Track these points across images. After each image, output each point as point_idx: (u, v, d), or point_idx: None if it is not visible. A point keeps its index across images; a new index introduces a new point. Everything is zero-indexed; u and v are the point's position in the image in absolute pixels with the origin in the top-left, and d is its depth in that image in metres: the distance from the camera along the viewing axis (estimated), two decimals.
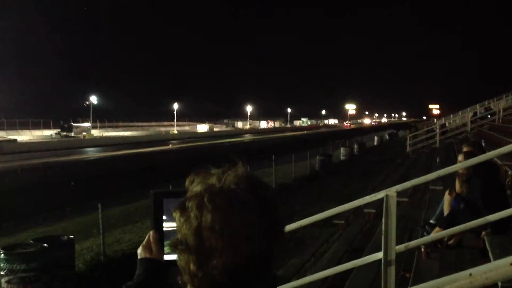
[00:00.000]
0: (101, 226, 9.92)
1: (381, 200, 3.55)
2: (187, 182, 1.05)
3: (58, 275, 7.23)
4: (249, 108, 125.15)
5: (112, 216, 14.35)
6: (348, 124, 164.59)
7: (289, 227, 3.95)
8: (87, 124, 68.41)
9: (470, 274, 1.80)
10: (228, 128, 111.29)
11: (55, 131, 63.56)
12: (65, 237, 7.96)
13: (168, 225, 1.32)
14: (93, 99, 72.53)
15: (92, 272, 8.74)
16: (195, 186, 1.01)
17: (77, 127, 65.58)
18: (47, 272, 7.09)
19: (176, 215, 1.00)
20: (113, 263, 9.16)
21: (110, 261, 9.32)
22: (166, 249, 1.33)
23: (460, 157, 6.14)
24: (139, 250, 1.34)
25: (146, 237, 1.33)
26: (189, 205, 0.97)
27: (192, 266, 0.96)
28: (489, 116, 25.42)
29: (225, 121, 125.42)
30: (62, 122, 66.73)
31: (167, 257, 1.33)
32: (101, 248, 9.69)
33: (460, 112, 37.99)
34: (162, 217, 1.32)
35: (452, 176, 6.50)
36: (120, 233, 12.05)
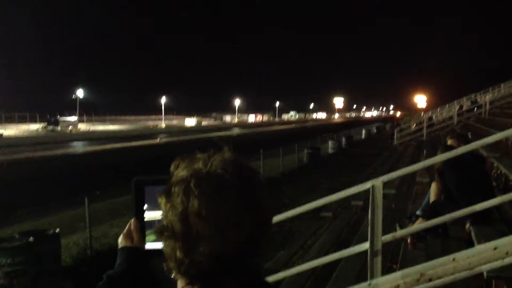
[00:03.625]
0: (88, 220, 9.85)
1: (368, 193, 3.55)
2: (172, 167, 1.02)
3: (45, 269, 7.16)
4: (237, 102, 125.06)
5: (99, 210, 14.25)
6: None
7: (276, 219, 3.94)
8: (73, 118, 67.95)
9: (454, 259, 1.81)
10: (216, 122, 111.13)
11: (42, 125, 62.99)
12: (51, 231, 7.88)
13: (150, 214, 1.30)
14: (80, 93, 72.12)
15: (79, 266, 8.69)
16: (180, 171, 0.99)
17: (63, 121, 65.14)
18: (33, 266, 7.02)
19: (162, 200, 0.98)
20: (100, 256, 9.12)
21: (97, 254, 9.27)
22: (148, 238, 1.31)
23: (450, 141, 6.25)
24: (120, 239, 1.31)
25: (127, 225, 1.31)
26: (175, 190, 0.95)
27: (178, 253, 0.94)
28: (475, 109, 25.63)
29: (213, 114, 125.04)
30: (48, 116, 66.17)
31: (149, 246, 1.31)
32: (88, 241, 9.63)
33: (447, 105, 38.29)
34: (143, 205, 1.30)
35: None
36: (107, 227, 11.97)
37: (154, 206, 1.29)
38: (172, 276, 1.01)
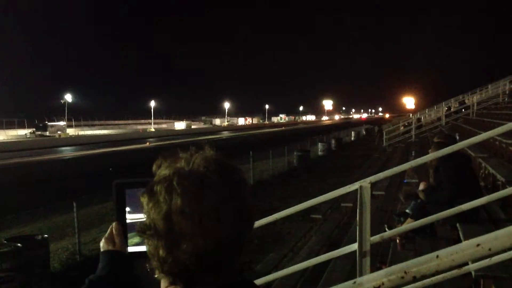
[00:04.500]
0: (76, 225, 9.80)
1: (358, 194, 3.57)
2: (154, 167, 1.02)
3: (33, 275, 7.12)
4: (227, 105, 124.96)
5: (88, 215, 14.19)
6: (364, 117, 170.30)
7: (266, 220, 3.94)
8: (62, 123, 67.50)
9: (437, 256, 1.81)
10: (206, 126, 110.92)
11: (30, 130, 62.55)
12: (39, 237, 7.85)
13: (132, 217, 1.30)
14: (68, 98, 71.60)
15: (68, 271, 8.63)
16: (163, 170, 0.98)
17: (52, 126, 64.65)
18: (21, 272, 6.98)
19: (144, 199, 0.97)
20: (89, 261, 9.06)
21: (86, 260, 9.22)
22: (130, 241, 1.30)
23: (430, 150, 6.27)
24: (102, 243, 1.30)
25: (109, 229, 1.30)
26: (157, 189, 0.94)
27: (161, 252, 0.93)
28: (463, 110, 25.80)
29: (203, 118, 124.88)
30: (36, 121, 65.72)
31: (131, 249, 1.30)
32: (76, 247, 9.58)
33: (435, 107, 38.52)
34: (125, 208, 1.29)
35: (427, 168, 6.61)
36: (96, 232, 11.90)
37: (136, 209, 1.28)
38: (155, 276, 1.01)
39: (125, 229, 1.29)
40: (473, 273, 4.06)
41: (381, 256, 5.76)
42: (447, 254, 1.78)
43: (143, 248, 1.29)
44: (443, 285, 4.46)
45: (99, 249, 1.29)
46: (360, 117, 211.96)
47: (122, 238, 1.28)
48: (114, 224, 1.30)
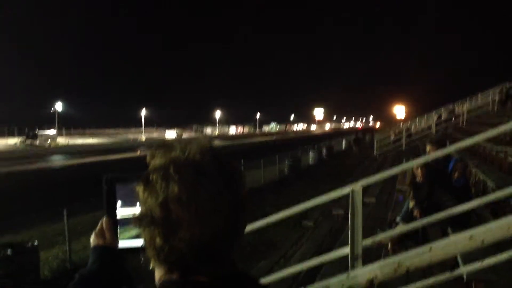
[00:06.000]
0: (67, 233, 9.75)
1: (349, 201, 3.57)
2: (148, 157, 1.02)
3: (23, 282, 7.07)
4: (218, 114, 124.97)
5: (79, 223, 14.07)
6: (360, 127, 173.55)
7: (257, 224, 3.94)
8: (52, 132, 67.17)
9: (430, 249, 1.83)
10: (197, 134, 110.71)
11: (20, 139, 62.11)
12: (29, 244, 7.78)
13: (123, 212, 1.29)
14: (59, 106, 71.34)
15: (58, 279, 8.56)
16: (158, 159, 0.99)
17: (42, 135, 64.28)
18: (12, 279, 6.92)
19: (140, 188, 0.97)
20: (79, 269, 8.97)
21: (77, 267, 9.14)
22: (121, 236, 1.29)
23: (428, 147, 6.36)
24: (92, 238, 1.29)
25: (99, 224, 1.29)
26: (154, 177, 0.95)
27: (158, 240, 0.93)
28: (453, 118, 25.98)
29: (194, 127, 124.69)
30: (27, 130, 65.28)
31: (122, 244, 1.30)
32: (67, 255, 9.51)
33: (425, 116, 38.74)
34: (115, 203, 1.29)
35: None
36: (87, 239, 11.71)
37: (128, 204, 1.28)
38: (150, 267, 1.01)
39: (115, 223, 1.29)
40: (464, 276, 4.08)
41: (373, 261, 5.77)
42: (440, 247, 1.79)
43: (134, 243, 1.29)
44: None
45: (89, 257, 1.28)
46: (357, 126, 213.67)
47: (112, 232, 1.28)
48: (104, 218, 1.29)
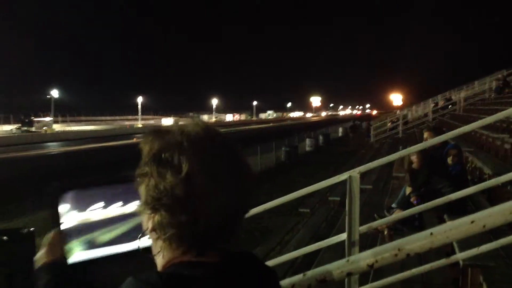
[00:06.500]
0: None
1: (345, 188, 3.56)
2: (142, 143, 1.00)
3: (19, 269, 7.03)
4: (214, 101, 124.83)
5: None
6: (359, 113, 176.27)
7: (254, 211, 3.92)
8: (48, 119, 66.91)
9: (431, 233, 1.80)
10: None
11: (16, 126, 61.88)
12: (25, 230, 7.73)
13: (83, 217, 1.23)
14: (55, 93, 71.04)
15: None
16: (157, 142, 0.97)
17: (38, 121, 64.00)
18: (6, 266, 6.88)
19: (152, 168, 0.94)
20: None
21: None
22: (72, 249, 1.22)
23: (426, 134, 6.38)
24: (38, 257, 1.22)
25: (45, 240, 1.22)
26: (167, 155, 0.93)
27: (183, 217, 0.91)
28: (450, 106, 25.97)
29: (191, 114, 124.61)
30: (22, 117, 65.03)
31: (76, 257, 1.22)
32: None
33: (422, 103, 38.73)
34: (59, 214, 1.22)
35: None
36: None
37: (85, 209, 1.22)
38: (154, 255, 0.99)
39: (63, 237, 1.22)
40: (461, 262, 4.08)
41: (369, 248, 5.77)
42: (441, 231, 1.77)
43: (88, 255, 1.21)
44: (431, 275, 4.49)
45: (39, 278, 1.17)
46: (356, 113, 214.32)
47: (62, 246, 1.22)
48: (52, 233, 1.22)
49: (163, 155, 0.94)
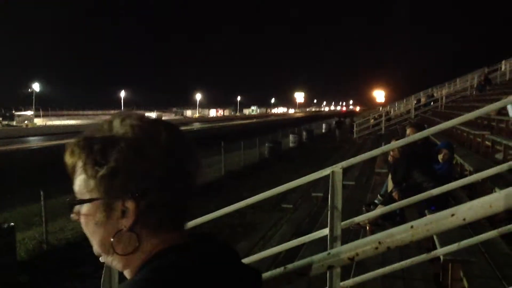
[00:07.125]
0: (43, 214, 9.62)
1: (328, 184, 3.56)
2: (67, 155, 1.00)
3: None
4: (198, 97, 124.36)
5: (56, 205, 13.92)
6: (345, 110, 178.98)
7: (236, 206, 3.90)
8: (29, 113, 66.15)
9: (412, 227, 1.81)
10: (177, 117, 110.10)
11: None
12: (5, 225, 7.66)
13: None
14: (36, 87, 70.16)
15: (34, 260, 8.47)
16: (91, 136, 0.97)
17: (19, 115, 63.30)
18: None
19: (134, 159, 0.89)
20: (56, 251, 8.92)
21: (53, 249, 9.07)
22: None
23: (408, 130, 6.43)
24: None
25: None
26: (128, 151, 0.89)
27: (168, 197, 0.89)
28: (432, 103, 26.21)
29: (174, 109, 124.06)
30: (3, 111, 64.25)
31: None
32: (43, 236, 9.40)
33: (404, 100, 39.04)
34: None
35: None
36: (64, 221, 11.70)
37: None
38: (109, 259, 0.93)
39: None
40: (441, 257, 4.12)
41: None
42: (422, 224, 1.78)
43: None
44: (412, 270, 4.53)
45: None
46: (341, 109, 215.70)
47: None
48: None
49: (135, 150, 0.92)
